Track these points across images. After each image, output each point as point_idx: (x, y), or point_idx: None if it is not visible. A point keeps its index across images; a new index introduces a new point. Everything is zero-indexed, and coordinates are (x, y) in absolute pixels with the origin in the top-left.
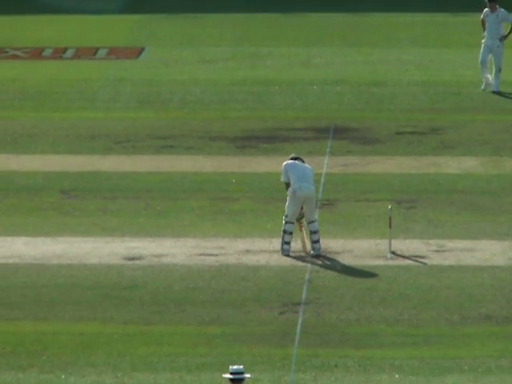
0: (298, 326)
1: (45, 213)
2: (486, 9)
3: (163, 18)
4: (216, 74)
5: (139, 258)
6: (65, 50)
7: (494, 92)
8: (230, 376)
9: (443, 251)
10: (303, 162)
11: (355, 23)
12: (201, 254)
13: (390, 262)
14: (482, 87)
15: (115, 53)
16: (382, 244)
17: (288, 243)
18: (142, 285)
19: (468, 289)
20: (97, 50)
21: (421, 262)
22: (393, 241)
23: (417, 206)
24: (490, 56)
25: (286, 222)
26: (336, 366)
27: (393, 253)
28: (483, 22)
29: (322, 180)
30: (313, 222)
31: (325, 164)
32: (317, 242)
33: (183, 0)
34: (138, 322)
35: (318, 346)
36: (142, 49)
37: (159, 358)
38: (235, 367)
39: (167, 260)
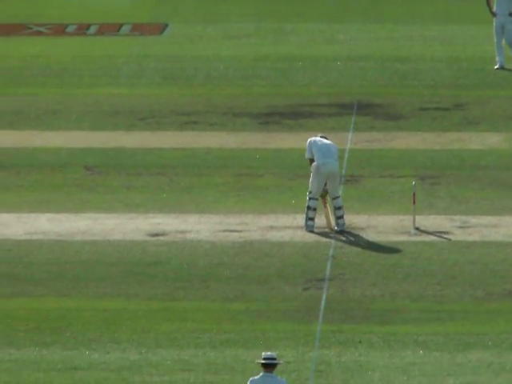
0: (322, 302)
1: (68, 189)
2: None
3: None
4: (240, 50)
5: (163, 234)
6: (88, 26)
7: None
8: (263, 361)
9: (467, 227)
10: (326, 138)
11: None
12: (225, 230)
13: (414, 238)
14: (497, 66)
15: (139, 29)
16: (405, 220)
17: (312, 219)
18: (165, 261)
19: (492, 264)
20: (120, 26)
21: (445, 238)
22: (417, 217)
23: (440, 181)
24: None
25: (309, 198)
26: (360, 341)
27: (417, 229)
28: (488, 1)
29: (346, 156)
30: (337, 197)
31: (348, 140)
32: (341, 217)
33: None
34: (161, 298)
35: (342, 321)
36: (166, 25)
37: (183, 335)
38: (268, 354)
39: (191, 236)
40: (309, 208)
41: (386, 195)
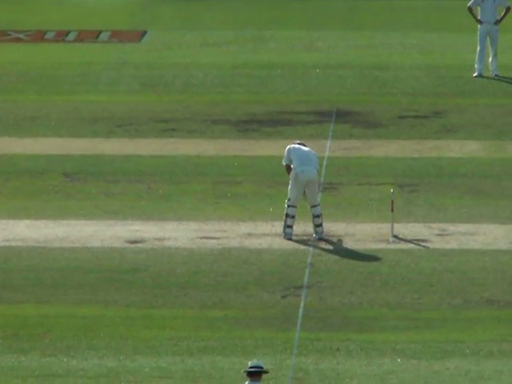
0: (300, 310)
1: (47, 196)
2: None
3: (166, 1)
4: (218, 58)
5: (141, 241)
6: (67, 33)
7: (495, 76)
8: (250, 370)
9: (445, 235)
10: (304, 145)
11: (358, 7)
12: (203, 238)
13: (392, 246)
14: (475, 74)
15: (117, 36)
16: (384, 228)
17: (290, 227)
18: (144, 268)
19: (470, 272)
20: (99, 33)
21: (423, 246)
22: (395, 224)
23: (419, 189)
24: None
25: (288, 206)
26: (338, 349)
27: (395, 236)
28: (470, 10)
29: (325, 163)
30: (316, 205)
31: (327, 147)
32: (319, 225)
33: None
34: (140, 305)
35: (320, 329)
36: (145, 32)
37: (161, 342)
38: (255, 362)
39: (169, 243)
40: (287, 215)
41: (365, 203)
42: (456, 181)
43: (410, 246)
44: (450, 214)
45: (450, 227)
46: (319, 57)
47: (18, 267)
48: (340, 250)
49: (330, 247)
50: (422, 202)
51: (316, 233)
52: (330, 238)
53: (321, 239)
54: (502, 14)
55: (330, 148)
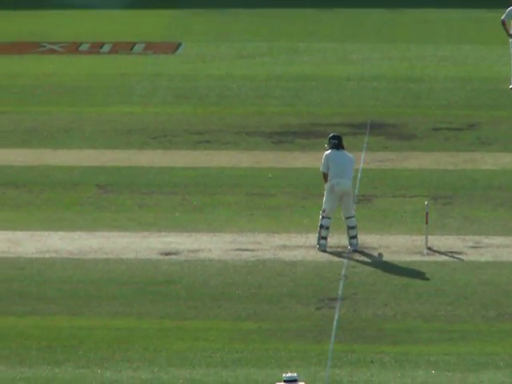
0: (335, 322)
1: (81, 207)
2: (511, 8)
3: (200, 13)
4: (253, 70)
5: (175, 252)
6: (102, 44)
7: None
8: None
9: (479, 247)
10: (341, 141)
11: (392, 19)
12: (237, 249)
13: (427, 258)
14: (511, 86)
15: (152, 48)
16: (418, 240)
17: (325, 238)
18: (178, 280)
19: (504, 285)
20: (134, 44)
21: (457, 258)
22: (429, 237)
23: (453, 202)
24: None
25: (322, 217)
26: (372, 361)
27: (429, 249)
28: (504, 23)
29: (359, 176)
30: (350, 217)
31: (361, 160)
32: (354, 237)
33: None
34: (174, 317)
35: (354, 341)
36: (179, 44)
37: (195, 354)
38: (289, 375)
39: (203, 255)
40: (322, 227)
41: (399, 215)
42: (490, 193)
43: (444, 258)
44: (484, 227)
45: (484, 239)
46: (353, 69)
47: (52, 279)
48: (374, 262)
49: (365, 259)
50: (456, 215)
51: (351, 245)
52: (365, 250)
53: (355, 251)
54: None
55: (364, 160)
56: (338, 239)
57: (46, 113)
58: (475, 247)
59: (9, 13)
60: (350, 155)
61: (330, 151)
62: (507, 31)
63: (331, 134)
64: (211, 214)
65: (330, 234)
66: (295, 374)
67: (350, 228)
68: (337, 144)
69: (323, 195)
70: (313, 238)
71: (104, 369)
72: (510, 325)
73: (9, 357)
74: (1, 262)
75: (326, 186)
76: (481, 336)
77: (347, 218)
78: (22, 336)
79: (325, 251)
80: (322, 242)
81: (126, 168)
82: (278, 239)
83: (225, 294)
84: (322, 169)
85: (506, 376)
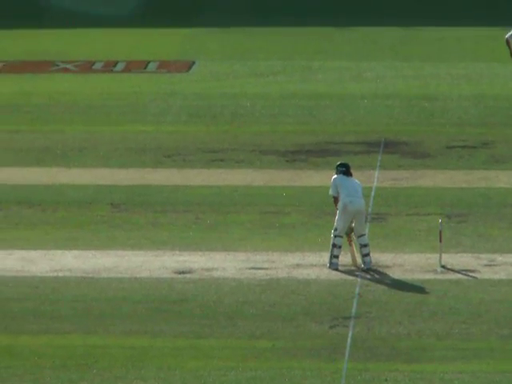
0: (348, 340)
1: (95, 226)
2: None
3: (213, 32)
4: (266, 88)
5: (189, 271)
6: (115, 63)
7: None
8: None
9: (494, 265)
10: (349, 169)
11: (406, 37)
12: (251, 268)
13: (441, 276)
14: None
15: (166, 66)
16: (432, 258)
17: (337, 257)
18: (192, 298)
19: None
20: (147, 63)
21: (471, 276)
22: (443, 255)
23: (467, 220)
24: None
25: (335, 236)
26: (386, 380)
27: (443, 267)
28: (508, 42)
29: (373, 194)
30: (363, 235)
31: (375, 178)
32: (367, 255)
33: (234, 13)
34: (188, 335)
35: (368, 360)
36: (193, 62)
37: (209, 372)
38: None
39: (217, 274)
40: (334, 246)
41: (413, 233)
42: (504, 211)
43: (459, 276)
44: (499, 245)
45: (499, 257)
46: (367, 87)
47: (66, 298)
48: (388, 281)
49: (378, 277)
50: (470, 233)
51: (364, 263)
52: (379, 269)
53: (369, 269)
54: None
55: (378, 178)
56: (351, 258)
57: (59, 131)
58: (489, 265)
59: (23, 32)
60: (358, 181)
61: (338, 176)
62: (511, 50)
63: (338, 163)
64: (225, 232)
65: (343, 253)
66: None
67: (363, 246)
68: (344, 171)
69: (336, 214)
70: (327, 257)
71: None
72: None
73: (23, 375)
74: (15, 281)
75: (339, 205)
76: (495, 354)
77: (359, 236)
78: (36, 355)
79: (337, 269)
80: (334, 260)
81: (139, 186)
82: (292, 258)
83: (239, 312)
84: (331, 192)
85: None
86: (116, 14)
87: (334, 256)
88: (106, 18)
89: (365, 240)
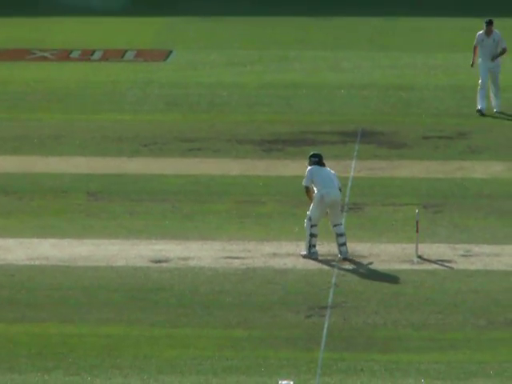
0: (325, 330)
1: (71, 215)
2: (480, 32)
3: (191, 21)
4: (243, 77)
5: (166, 260)
6: (92, 52)
7: (496, 112)
8: None
9: (470, 256)
10: (322, 159)
11: (383, 27)
12: (227, 257)
13: (417, 267)
14: (479, 108)
15: (143, 55)
16: (408, 248)
17: (315, 246)
18: (168, 287)
19: (494, 294)
20: (124, 52)
21: (447, 267)
22: (419, 245)
23: (443, 210)
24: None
25: (311, 226)
26: (362, 370)
27: (419, 257)
28: (475, 49)
29: (349, 184)
30: (338, 224)
31: (352, 168)
32: (343, 244)
33: (210, 2)
34: (164, 324)
35: (344, 349)
36: (170, 51)
37: (185, 361)
38: (285, 382)
39: (193, 263)
40: (312, 235)
41: (389, 223)
42: (480, 202)
43: (435, 266)
44: (475, 235)
45: (475, 248)
46: (344, 77)
47: (42, 286)
48: (364, 271)
49: (355, 267)
50: (446, 223)
51: (341, 253)
52: (355, 259)
53: (346, 259)
54: (501, 51)
55: (354, 168)
56: (328, 248)
57: (36, 120)
58: (465, 256)
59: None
60: (333, 171)
61: (313, 166)
62: (473, 58)
63: (311, 153)
64: (201, 221)
65: (319, 243)
66: (291, 382)
67: (339, 235)
68: (317, 162)
69: (310, 204)
70: (303, 246)
71: (94, 376)
72: (500, 333)
73: None
74: None
75: (316, 195)
76: (471, 344)
77: (335, 225)
78: (12, 343)
79: (317, 259)
80: (314, 250)
81: (116, 175)
82: (269, 247)
83: (215, 301)
84: (304, 183)
85: None
86: (105, 5)
87: (312, 245)
88: (91, 9)
89: (341, 229)
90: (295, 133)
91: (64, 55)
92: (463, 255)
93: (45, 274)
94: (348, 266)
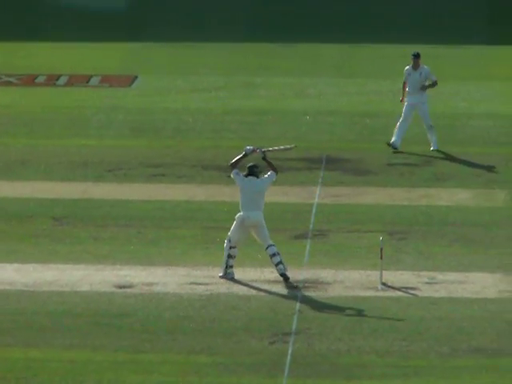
0: (288, 357)
1: (36, 239)
2: (408, 67)
3: (156, 47)
4: (209, 103)
5: (130, 286)
6: (58, 77)
7: (433, 150)
8: None
9: (434, 283)
10: (257, 171)
11: (349, 54)
12: (192, 283)
13: (381, 294)
14: (393, 141)
15: (108, 81)
16: (372, 275)
17: (232, 267)
18: (132, 313)
19: (458, 321)
20: (90, 77)
21: (411, 294)
22: (384, 272)
23: (408, 237)
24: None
25: (230, 247)
26: None
27: (384, 284)
28: (404, 84)
29: (314, 210)
30: (269, 246)
31: (316, 194)
32: (279, 263)
33: (176, 29)
34: (128, 349)
35: (308, 376)
36: (135, 77)
37: None
38: None
39: (158, 288)
40: (229, 256)
41: (354, 250)
42: (445, 229)
43: (399, 293)
44: (439, 263)
45: (439, 275)
46: (310, 103)
47: (7, 311)
48: (328, 297)
49: (319, 294)
50: (411, 250)
51: (279, 270)
52: (319, 285)
53: (283, 275)
54: (431, 83)
55: (319, 195)
56: (292, 274)
57: (2, 144)
58: (430, 283)
59: None
60: (262, 179)
61: (241, 175)
62: (403, 94)
63: (249, 164)
64: (166, 247)
65: (284, 268)
66: None
67: (272, 256)
68: (252, 166)
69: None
70: (268, 273)
71: None
72: (464, 361)
73: None
74: None
75: (237, 217)
76: (435, 372)
77: (266, 248)
78: None
79: (233, 279)
80: (230, 270)
81: (81, 200)
82: None
83: (179, 327)
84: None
85: None
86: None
87: (229, 266)
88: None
89: (273, 250)
90: (261, 159)
91: (29, 80)
92: (427, 283)
93: (9, 298)
94: (312, 292)
